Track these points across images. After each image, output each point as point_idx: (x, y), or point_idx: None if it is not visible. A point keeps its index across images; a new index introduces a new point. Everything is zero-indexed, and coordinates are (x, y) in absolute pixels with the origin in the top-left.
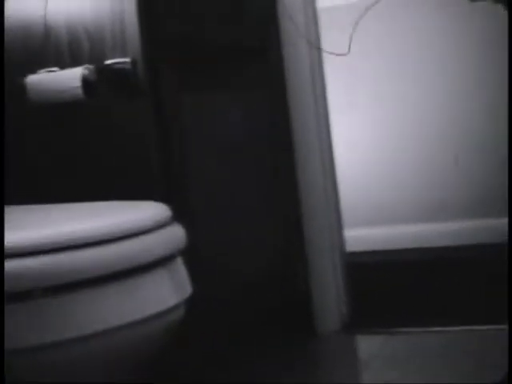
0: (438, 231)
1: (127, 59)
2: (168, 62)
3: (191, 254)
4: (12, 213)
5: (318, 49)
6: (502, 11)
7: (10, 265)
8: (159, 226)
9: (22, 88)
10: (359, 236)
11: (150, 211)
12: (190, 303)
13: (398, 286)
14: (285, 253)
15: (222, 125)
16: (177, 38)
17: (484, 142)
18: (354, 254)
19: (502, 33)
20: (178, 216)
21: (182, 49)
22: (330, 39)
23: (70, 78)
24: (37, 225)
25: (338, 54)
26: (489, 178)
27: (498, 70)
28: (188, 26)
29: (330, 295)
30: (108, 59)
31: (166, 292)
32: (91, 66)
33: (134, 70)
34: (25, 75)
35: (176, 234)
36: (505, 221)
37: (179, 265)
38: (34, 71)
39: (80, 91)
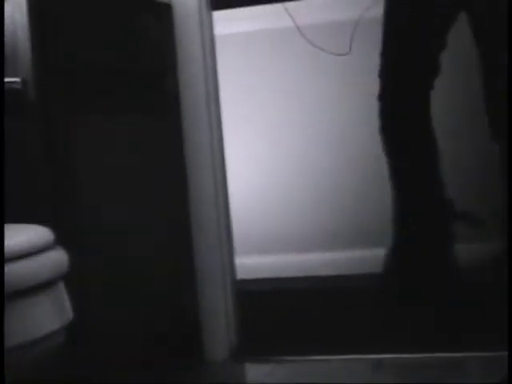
0: (328, 260)
1: (17, 79)
2: (61, 84)
3: (75, 279)
4: None
5: (321, 49)
6: None
7: None
8: (38, 250)
9: None
10: (250, 264)
11: (28, 235)
12: (73, 329)
13: (288, 314)
14: (175, 279)
15: (116, 148)
16: (71, 61)
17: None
18: (244, 281)
19: None
20: (63, 239)
21: (77, 72)
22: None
23: None
24: None
25: (338, 54)
26: (379, 208)
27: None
28: (82, 48)
29: (220, 323)
30: None
31: (45, 318)
32: None
33: (25, 90)
34: None
35: (57, 259)
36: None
37: (60, 290)
38: None
39: None
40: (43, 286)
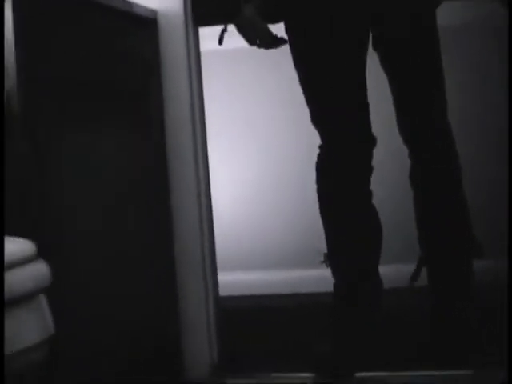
0: (313, 277)
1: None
2: (45, 98)
3: (57, 292)
4: None
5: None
6: None
7: None
8: (20, 262)
9: None
10: (233, 280)
11: (10, 248)
12: (54, 343)
13: (272, 332)
14: (156, 295)
15: (100, 162)
16: (55, 75)
17: None
18: (227, 298)
19: None
20: (46, 252)
21: (61, 86)
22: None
23: None
24: None
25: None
26: None
27: None
28: (67, 62)
29: (202, 340)
30: None
31: (26, 331)
32: None
33: (9, 103)
34: None
35: (39, 272)
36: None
37: (42, 303)
38: None
39: None
40: (25, 299)
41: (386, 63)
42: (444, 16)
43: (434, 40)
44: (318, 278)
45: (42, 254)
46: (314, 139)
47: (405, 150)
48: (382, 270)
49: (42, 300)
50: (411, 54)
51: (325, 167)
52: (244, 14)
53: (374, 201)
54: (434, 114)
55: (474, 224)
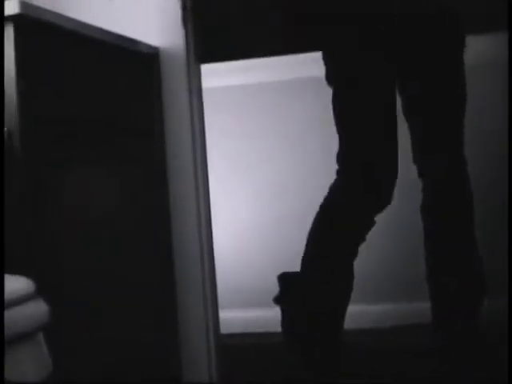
0: None
1: (4, 128)
2: (46, 135)
3: (56, 330)
4: None
5: None
6: None
7: None
8: (19, 301)
9: None
10: (234, 317)
11: (9, 286)
12: (53, 381)
13: (272, 369)
14: (158, 332)
15: (100, 199)
16: (57, 112)
17: None
18: (228, 335)
19: None
20: (44, 290)
21: (62, 123)
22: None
23: None
24: None
25: None
26: (368, 263)
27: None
28: (68, 100)
29: (202, 377)
30: None
31: (25, 369)
32: None
33: (10, 141)
34: None
35: (37, 310)
36: None
37: (40, 341)
38: None
39: None
40: (23, 337)
41: (409, 111)
42: None
43: (458, 83)
44: None
45: (40, 291)
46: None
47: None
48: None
49: (40, 338)
50: (435, 101)
51: (332, 210)
52: None
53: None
54: (452, 150)
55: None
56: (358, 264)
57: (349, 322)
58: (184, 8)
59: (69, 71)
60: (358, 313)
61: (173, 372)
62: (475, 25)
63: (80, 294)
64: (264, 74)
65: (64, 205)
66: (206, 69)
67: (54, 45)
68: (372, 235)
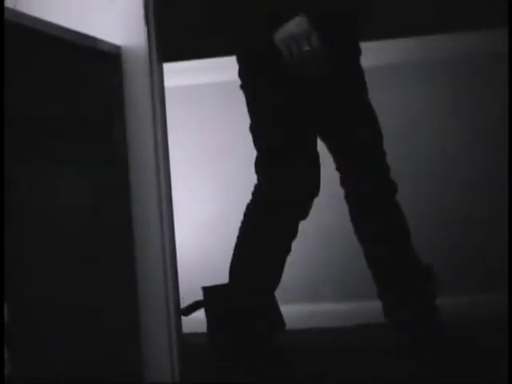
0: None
1: None
2: (7, 134)
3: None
4: None
5: None
6: None
7: None
8: None
9: None
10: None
11: None
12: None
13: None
14: (119, 333)
15: (63, 199)
16: (16, 111)
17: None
18: (191, 334)
19: None
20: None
21: (23, 121)
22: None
23: None
24: None
25: None
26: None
27: None
28: (28, 98)
29: (165, 378)
30: None
31: None
32: None
33: None
34: None
35: None
36: None
37: None
38: None
39: None
40: None
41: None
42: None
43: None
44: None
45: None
46: None
47: None
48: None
49: None
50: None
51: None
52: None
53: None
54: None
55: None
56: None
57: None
58: (146, 6)
59: (29, 69)
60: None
61: (134, 372)
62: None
63: (40, 293)
64: (227, 72)
65: (25, 205)
66: (168, 68)
67: (12, 42)
68: None
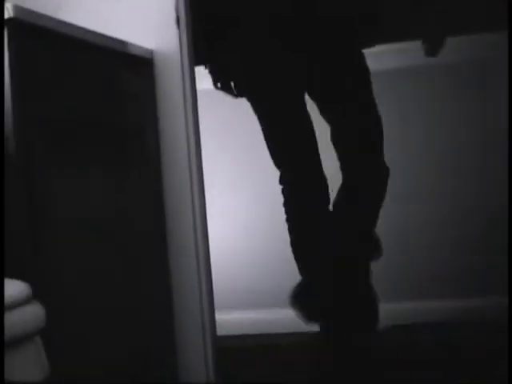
0: None
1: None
2: (41, 136)
3: (54, 333)
4: None
5: None
6: None
7: None
8: (15, 305)
9: None
10: (231, 320)
11: (5, 290)
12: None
13: (271, 371)
14: (155, 335)
15: (95, 201)
16: (52, 114)
17: None
18: (225, 337)
19: None
20: (41, 293)
21: (57, 124)
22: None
23: None
24: None
25: None
26: None
27: None
28: (63, 102)
29: (200, 379)
30: None
31: (23, 372)
32: None
33: (5, 143)
34: None
35: (34, 313)
36: None
37: (37, 344)
38: None
39: None
40: (20, 341)
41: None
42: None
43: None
44: None
45: (37, 295)
46: None
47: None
48: None
49: (38, 341)
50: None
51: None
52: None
53: None
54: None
55: None
56: None
57: None
58: (178, 11)
59: (63, 74)
60: None
61: (170, 374)
62: (475, 24)
63: (77, 297)
64: None
65: (59, 207)
66: (201, 71)
67: (47, 48)
68: None
